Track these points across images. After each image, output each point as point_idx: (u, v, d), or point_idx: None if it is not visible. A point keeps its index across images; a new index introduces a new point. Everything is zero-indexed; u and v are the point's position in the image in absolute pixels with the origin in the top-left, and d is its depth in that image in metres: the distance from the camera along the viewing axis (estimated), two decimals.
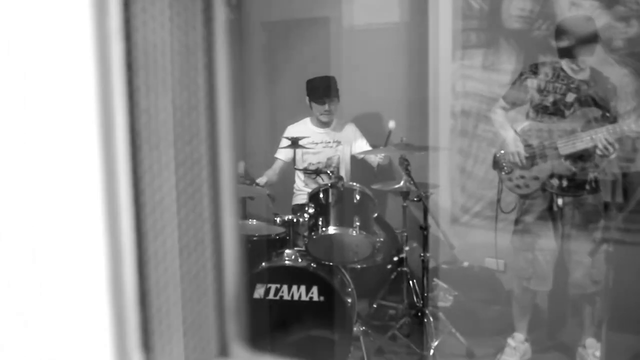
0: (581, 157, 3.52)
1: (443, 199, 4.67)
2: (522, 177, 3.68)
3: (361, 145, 4.47)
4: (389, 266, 4.23)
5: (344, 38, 4.97)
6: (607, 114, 3.48)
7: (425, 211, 3.76)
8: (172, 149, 0.73)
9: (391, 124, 3.86)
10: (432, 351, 3.70)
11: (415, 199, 3.85)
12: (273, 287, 3.51)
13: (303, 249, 3.70)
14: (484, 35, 4.45)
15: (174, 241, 0.72)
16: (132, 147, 0.69)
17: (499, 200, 3.83)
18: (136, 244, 0.68)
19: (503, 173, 3.76)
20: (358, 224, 3.59)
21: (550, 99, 3.56)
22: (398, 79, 4.64)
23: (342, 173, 4.36)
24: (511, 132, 3.71)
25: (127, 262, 0.67)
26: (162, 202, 0.72)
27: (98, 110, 0.68)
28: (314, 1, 5.05)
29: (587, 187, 3.56)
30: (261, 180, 4.21)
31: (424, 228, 3.78)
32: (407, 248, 4.05)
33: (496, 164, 3.81)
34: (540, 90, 3.60)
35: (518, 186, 3.72)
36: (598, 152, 3.42)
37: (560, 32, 3.61)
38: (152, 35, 0.73)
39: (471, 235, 4.60)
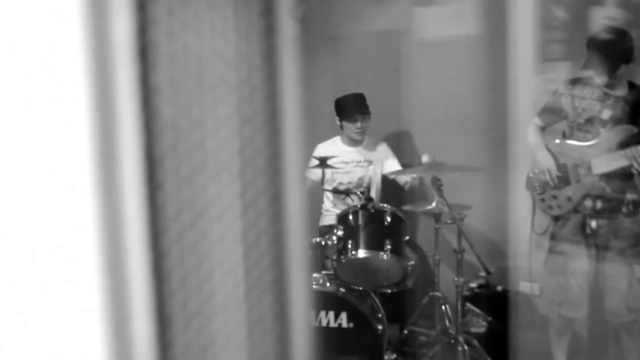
0: (617, 176, 3.36)
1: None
2: (554, 197, 3.54)
3: (392, 165, 4.34)
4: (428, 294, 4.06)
5: (415, 52, 4.76)
6: None
7: (459, 234, 3.63)
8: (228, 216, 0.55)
9: (424, 159, 3.75)
10: None
11: (449, 221, 3.71)
12: None
13: (331, 272, 3.58)
14: (569, 47, 4.22)
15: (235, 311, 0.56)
16: (151, 206, 0.50)
17: (532, 222, 3.68)
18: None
19: (536, 193, 3.62)
20: (389, 247, 3.50)
21: (585, 116, 3.42)
22: (473, 94, 4.43)
23: (373, 194, 4.24)
24: (544, 150, 3.58)
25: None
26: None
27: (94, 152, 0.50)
28: (383, 14, 4.85)
29: (624, 209, 3.39)
30: None
31: (458, 252, 3.65)
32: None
33: (529, 183, 3.68)
34: (574, 107, 3.46)
35: (550, 207, 3.58)
36: (634, 170, 3.26)
37: (594, 45, 3.44)
38: (181, 48, 0.54)
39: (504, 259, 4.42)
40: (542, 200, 3.61)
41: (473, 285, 4.10)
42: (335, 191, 4.28)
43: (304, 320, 0.61)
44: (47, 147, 0.53)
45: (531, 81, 4.18)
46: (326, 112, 4.53)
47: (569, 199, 3.50)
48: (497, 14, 4.31)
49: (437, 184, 3.63)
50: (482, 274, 3.79)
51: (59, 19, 0.49)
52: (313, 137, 4.41)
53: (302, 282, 0.61)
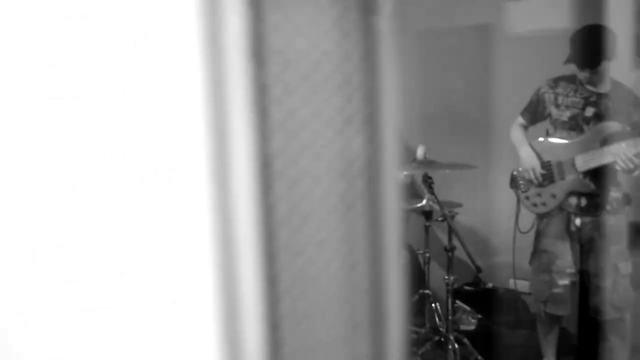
0: (601, 174, 3.36)
1: None
2: (539, 195, 3.54)
3: None
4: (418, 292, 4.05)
5: (506, 46, 4.63)
6: (629, 128, 3.34)
7: (450, 232, 3.63)
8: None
9: (420, 152, 3.73)
10: None
11: (439, 219, 3.71)
12: None
13: None
14: None
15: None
16: (261, 208, 0.48)
17: (516, 220, 3.69)
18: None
19: (520, 191, 3.63)
20: None
21: (568, 113, 3.42)
22: None
23: None
24: (527, 148, 3.58)
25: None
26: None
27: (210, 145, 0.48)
28: (473, 8, 4.70)
29: (608, 207, 3.40)
30: None
31: (449, 249, 3.65)
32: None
33: (513, 182, 3.68)
34: (557, 105, 3.47)
35: (535, 204, 3.58)
36: (618, 167, 3.26)
37: (576, 42, 3.43)
38: (289, 45, 0.53)
39: (495, 256, 4.43)
40: (527, 198, 3.61)
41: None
42: None
43: (400, 324, 0.60)
44: (162, 148, 0.52)
45: (629, 76, 4.00)
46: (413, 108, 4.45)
47: (553, 196, 3.50)
48: (592, 6, 4.08)
49: (428, 181, 3.62)
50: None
51: (176, 18, 0.48)
52: None
53: (398, 285, 0.60)
